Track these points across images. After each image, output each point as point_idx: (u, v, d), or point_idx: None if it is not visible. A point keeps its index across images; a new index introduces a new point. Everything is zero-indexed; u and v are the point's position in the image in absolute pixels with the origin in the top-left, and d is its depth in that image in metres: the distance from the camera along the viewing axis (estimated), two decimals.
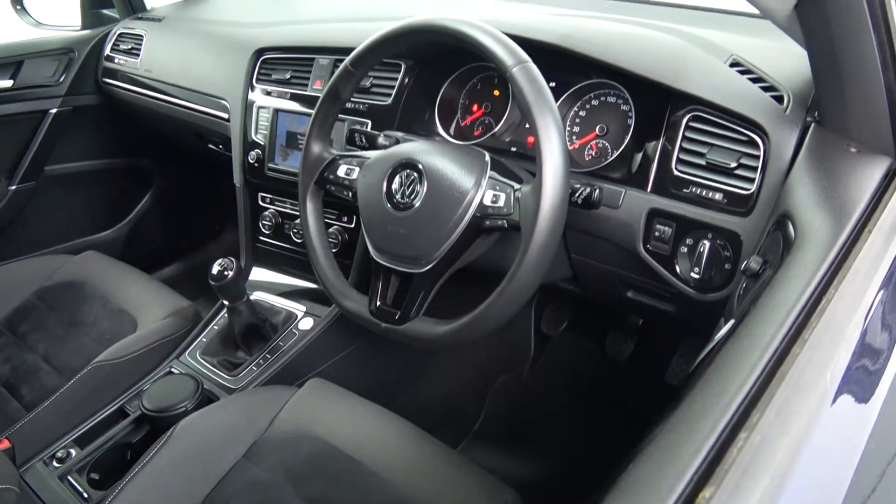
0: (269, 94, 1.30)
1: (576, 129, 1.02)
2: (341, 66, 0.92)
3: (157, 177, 1.90)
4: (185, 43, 1.52)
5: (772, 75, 0.85)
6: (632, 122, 0.94)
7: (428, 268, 0.84)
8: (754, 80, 0.85)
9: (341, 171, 0.95)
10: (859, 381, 0.49)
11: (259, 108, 1.30)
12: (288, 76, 1.28)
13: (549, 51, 0.95)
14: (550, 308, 1.54)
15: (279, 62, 1.30)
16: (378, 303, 0.90)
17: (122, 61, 1.63)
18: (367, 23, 1.28)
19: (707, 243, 0.82)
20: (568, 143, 1.02)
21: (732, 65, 0.89)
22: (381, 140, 1.02)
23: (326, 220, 1.20)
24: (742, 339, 0.50)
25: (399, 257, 0.87)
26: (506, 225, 0.79)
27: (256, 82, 1.32)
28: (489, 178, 0.82)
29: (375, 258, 0.89)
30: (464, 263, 0.86)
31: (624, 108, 0.97)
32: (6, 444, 1.09)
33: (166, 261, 1.95)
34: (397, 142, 1.04)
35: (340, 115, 1.17)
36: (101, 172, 1.81)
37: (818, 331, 0.47)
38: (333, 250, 1.17)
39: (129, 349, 1.24)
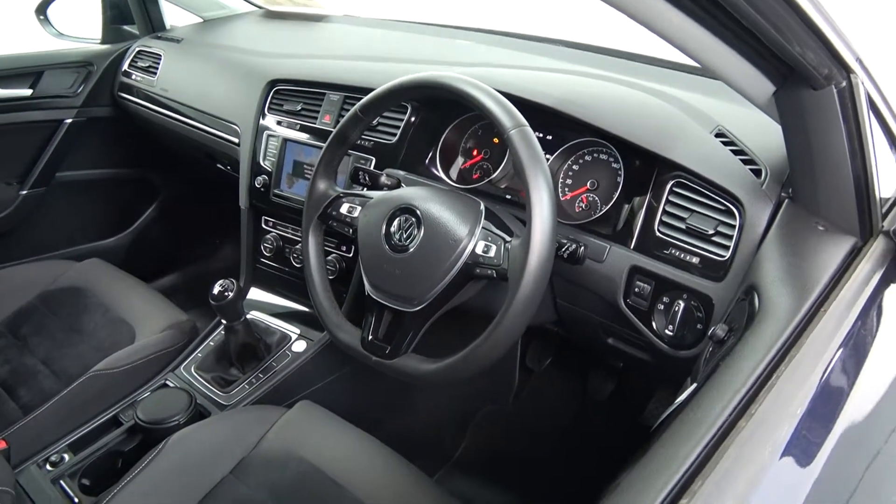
0: (279, 123, 1.35)
1: (568, 181, 1.08)
2: (350, 111, 0.98)
3: (163, 189, 1.95)
4: (202, 67, 1.58)
5: (753, 148, 0.91)
6: (621, 180, 1.00)
7: (420, 307, 0.89)
8: (736, 153, 0.91)
9: (344, 209, 1.00)
10: (800, 453, 0.54)
11: (269, 135, 1.36)
12: (299, 108, 1.33)
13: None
14: (536, 344, 1.59)
15: (291, 94, 1.36)
16: (370, 336, 0.95)
17: (138, 78, 1.69)
18: (377, 62, 1.34)
19: (682, 303, 0.87)
20: (560, 195, 1.07)
21: (717, 135, 0.95)
22: (383, 179, 1.08)
23: (326, 248, 1.26)
24: (697, 408, 0.55)
25: (393, 295, 0.92)
26: (494, 275, 0.84)
27: (268, 111, 1.38)
28: (482, 228, 0.87)
29: (371, 294, 0.94)
30: (454, 305, 0.91)
31: (615, 165, 1.03)
32: (3, 444, 1.12)
33: (165, 271, 2.00)
34: (399, 182, 1.10)
35: (356, 146, 1.24)
36: (109, 182, 1.86)
37: (765, 406, 0.53)
38: (331, 277, 1.22)
39: (127, 360, 1.29)
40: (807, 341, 0.61)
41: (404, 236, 0.90)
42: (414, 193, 0.93)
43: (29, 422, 1.19)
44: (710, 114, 0.99)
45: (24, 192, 1.69)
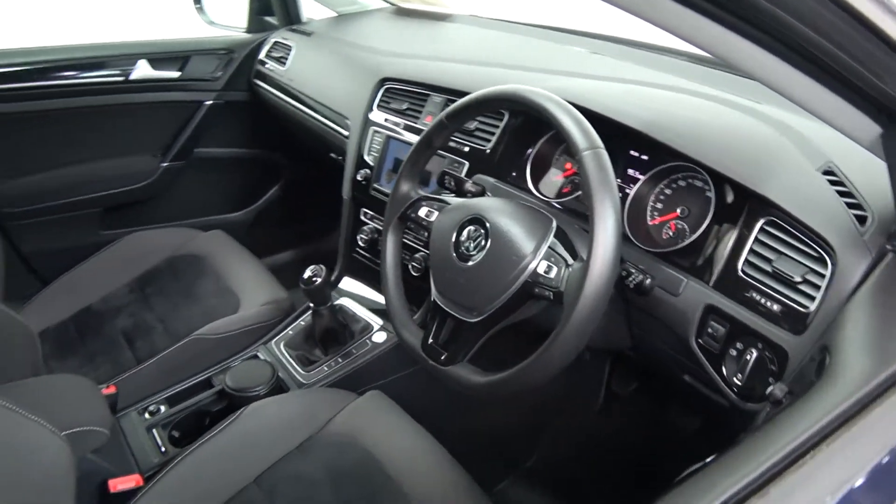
0: (385, 120, 1.40)
1: (658, 205, 1.03)
2: (437, 117, 1.00)
3: (286, 172, 2.09)
4: (325, 60, 1.67)
5: (863, 191, 0.82)
6: (711, 210, 0.94)
7: (479, 319, 0.90)
8: (843, 194, 0.82)
9: (422, 212, 1.02)
10: None
11: (374, 131, 1.41)
12: (405, 107, 1.37)
13: None
14: (622, 368, 1.53)
15: (399, 92, 1.40)
16: (431, 340, 0.96)
17: (271, 67, 1.81)
18: (485, 67, 1.35)
19: (755, 352, 0.81)
20: (648, 219, 1.03)
21: (826, 172, 0.86)
22: (467, 186, 1.09)
23: (414, 246, 1.29)
24: (719, 469, 0.51)
25: (456, 303, 0.93)
26: (552, 297, 0.83)
27: (377, 107, 1.43)
28: (548, 247, 0.86)
29: (436, 299, 0.96)
30: (515, 321, 0.91)
31: (708, 194, 0.97)
32: (113, 389, 1.27)
33: (278, 249, 2.14)
34: (483, 190, 1.10)
35: (442, 153, 1.26)
36: (239, 160, 2.02)
37: (792, 481, 0.48)
38: (416, 275, 1.25)
39: (226, 328, 1.40)
40: (871, 415, 0.55)
41: (471, 246, 0.91)
42: (487, 204, 0.93)
43: (137, 372, 1.33)
44: (821, 147, 0.91)
45: (165, 164, 1.87)
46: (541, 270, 0.85)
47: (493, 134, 1.22)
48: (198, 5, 1.99)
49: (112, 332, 1.48)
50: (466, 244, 0.92)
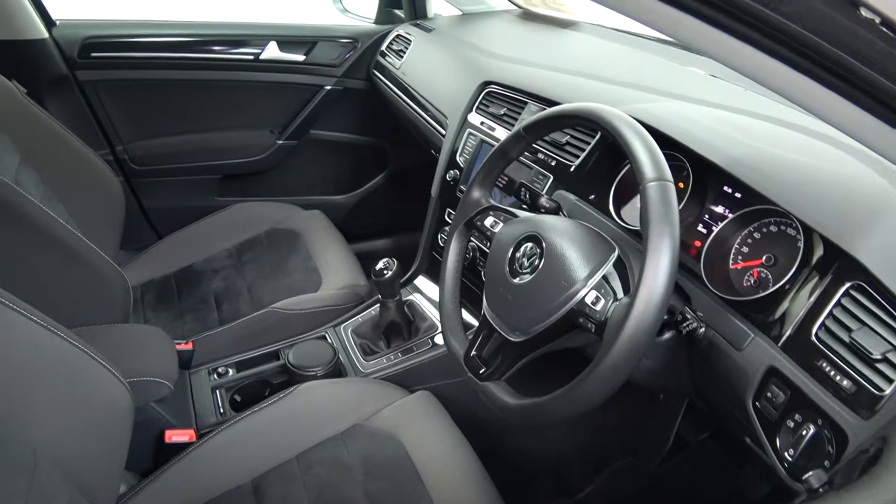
0: (481, 123, 1.39)
1: (744, 249, 0.94)
2: (515, 127, 0.97)
3: (393, 162, 2.13)
4: (438, 57, 1.68)
5: None
6: (797, 262, 0.85)
7: (521, 340, 0.87)
8: None
9: (488, 222, 1.00)
10: None
11: (470, 133, 1.40)
12: (502, 112, 1.35)
13: None
14: (694, 413, 1.43)
15: (498, 97, 1.38)
16: (473, 352, 0.95)
17: (390, 59, 1.86)
18: (591, 81, 1.30)
19: (813, 429, 0.72)
20: (731, 262, 0.95)
21: None
22: (542, 201, 1.06)
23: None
24: None
25: (501, 319, 0.90)
26: (593, 329, 0.78)
27: (476, 110, 1.42)
28: (602, 277, 0.81)
29: (485, 312, 0.94)
30: (558, 348, 0.87)
31: (798, 245, 0.87)
32: (189, 346, 1.36)
33: (371, 236, 2.19)
34: (558, 208, 1.06)
35: (528, 164, 1.23)
36: (349, 146, 2.09)
37: None
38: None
39: (302, 305, 1.45)
40: None
41: (525, 263, 0.88)
42: (550, 223, 0.90)
43: (216, 333, 1.42)
44: None
45: (281, 141, 1.98)
46: (588, 300, 0.80)
47: (582, 150, 1.17)
48: None
49: (205, 292, 1.59)
50: (521, 261, 0.89)
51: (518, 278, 0.88)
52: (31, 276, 1.13)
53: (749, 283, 0.92)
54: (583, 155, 1.16)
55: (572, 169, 1.17)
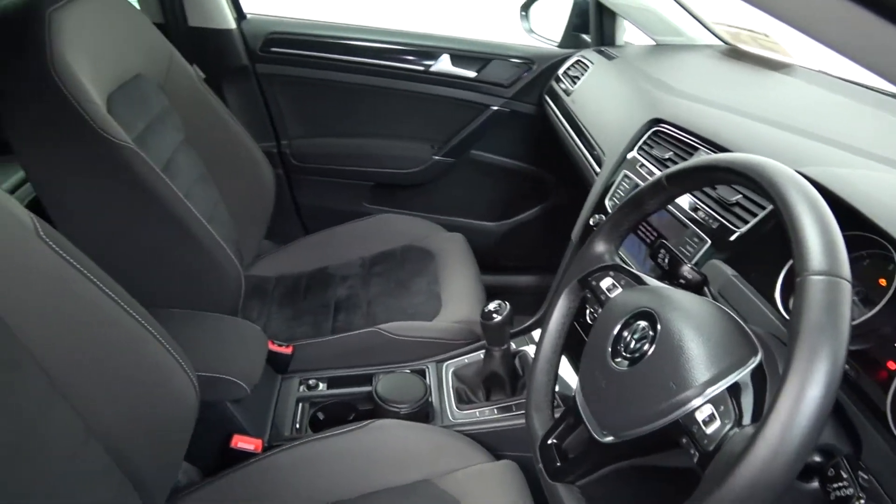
0: (640, 166, 1.19)
1: None
2: (656, 175, 0.78)
3: (553, 195, 1.97)
4: (610, 87, 1.50)
5: None
6: None
7: (609, 441, 0.67)
8: None
9: (605, 283, 0.82)
10: None
11: (625, 175, 1.21)
12: (667, 156, 1.14)
13: None
14: None
15: (667, 139, 1.17)
16: (553, 440, 0.77)
17: (563, 85, 1.70)
18: (783, 132, 1.05)
19: None
20: None
21: None
22: (684, 270, 0.84)
23: None
24: None
25: (591, 410, 0.71)
26: (695, 460, 0.57)
27: (637, 150, 1.22)
28: (727, 389, 0.59)
29: (576, 395, 0.75)
30: (651, 464, 0.66)
31: None
32: (289, 350, 1.32)
33: (510, 270, 2.04)
34: (703, 281, 0.85)
35: (685, 221, 1.01)
36: (509, 171, 1.96)
37: None
38: None
39: (411, 332, 1.35)
40: None
41: (630, 346, 0.69)
42: (675, 300, 0.69)
43: (319, 342, 1.36)
44: None
45: (437, 157, 1.91)
46: (699, 416, 0.59)
47: (754, 215, 0.93)
48: (523, 13, 1.97)
49: (328, 297, 1.55)
50: (627, 341, 0.70)
51: (618, 363, 0.69)
52: (144, 246, 1.15)
53: None
54: (754, 221, 0.92)
55: (736, 236, 0.93)
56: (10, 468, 0.69)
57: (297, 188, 1.96)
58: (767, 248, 0.89)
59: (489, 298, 1.51)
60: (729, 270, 0.90)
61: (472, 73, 1.82)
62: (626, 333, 0.71)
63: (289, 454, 1.06)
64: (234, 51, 1.76)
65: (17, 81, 1.05)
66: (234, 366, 1.09)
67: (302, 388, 1.28)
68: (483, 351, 1.25)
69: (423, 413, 1.18)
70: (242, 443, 1.10)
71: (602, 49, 1.74)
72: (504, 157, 1.94)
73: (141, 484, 0.89)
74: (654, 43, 1.76)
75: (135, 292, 0.86)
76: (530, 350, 1.30)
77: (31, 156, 1.09)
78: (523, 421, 1.14)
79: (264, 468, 1.04)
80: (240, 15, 1.79)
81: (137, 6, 1.67)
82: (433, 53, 1.81)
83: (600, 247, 0.86)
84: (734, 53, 1.62)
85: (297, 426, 1.20)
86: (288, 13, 1.90)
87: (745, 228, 0.93)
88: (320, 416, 1.25)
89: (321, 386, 1.29)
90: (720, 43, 1.70)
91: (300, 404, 1.25)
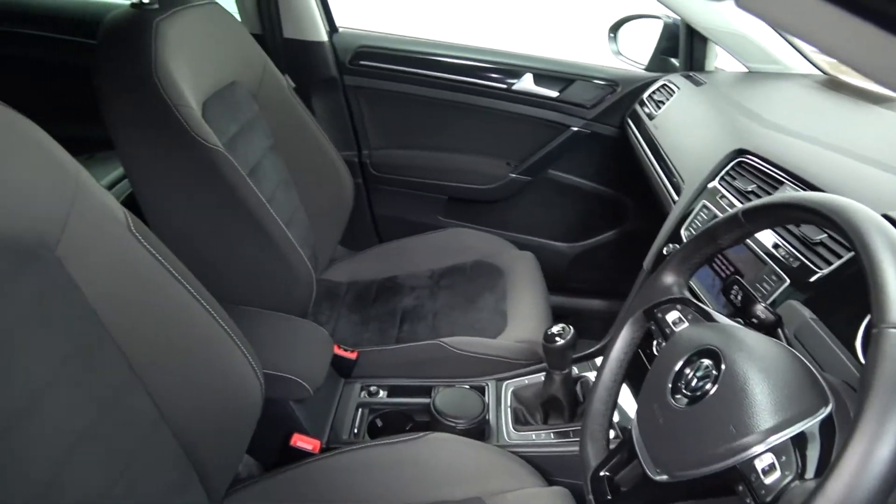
0: (720, 197, 1.15)
1: None
2: (732, 210, 0.75)
3: (630, 219, 1.93)
4: (696, 114, 1.46)
5: None
6: None
7: (663, 480, 0.66)
8: None
9: (671, 316, 0.80)
10: None
11: (704, 206, 1.17)
12: (750, 188, 1.10)
13: None
14: None
15: (752, 171, 1.13)
16: (606, 472, 0.75)
17: (647, 109, 1.67)
18: (875, 168, 0.99)
19: None
20: None
21: None
22: (757, 309, 0.81)
23: None
24: None
25: (646, 445, 0.70)
26: None
27: (719, 180, 1.18)
28: (791, 438, 0.57)
29: (632, 428, 0.74)
30: None
31: None
32: (354, 355, 1.35)
33: (579, 292, 2.00)
34: (777, 322, 0.81)
35: (763, 256, 0.97)
36: (586, 193, 1.94)
37: None
38: None
39: (474, 348, 1.35)
40: None
41: (692, 384, 0.67)
42: (743, 340, 0.67)
43: (384, 350, 1.39)
44: None
45: (514, 175, 1.91)
46: (759, 465, 0.57)
47: (839, 256, 0.88)
48: (611, 34, 1.95)
49: (396, 306, 1.58)
50: (688, 378, 0.68)
51: (678, 400, 0.67)
52: (223, 245, 1.20)
53: None
54: (839, 262, 0.88)
55: (818, 277, 0.88)
56: (85, 445, 0.74)
57: (374, 197, 2.00)
58: (852, 292, 0.84)
59: (555, 320, 1.50)
60: (807, 313, 0.85)
61: (554, 93, 1.82)
62: (688, 370, 0.69)
63: (347, 457, 1.08)
64: (325, 62, 1.83)
65: (122, 84, 1.13)
66: (299, 366, 1.13)
67: (363, 393, 1.31)
68: (544, 373, 1.24)
69: (479, 430, 1.18)
70: (301, 442, 1.13)
71: (690, 74, 1.70)
72: (581, 179, 1.92)
73: (204, 472, 0.93)
74: (746, 70, 1.70)
75: (211, 288, 0.91)
76: (592, 376, 1.27)
77: (129, 153, 1.17)
78: (573, 450, 1.13)
79: (322, 469, 1.07)
80: (332, 28, 1.86)
81: (238, 17, 1.76)
82: (516, 72, 1.81)
83: (669, 278, 0.84)
84: (832, 84, 1.55)
85: (356, 431, 1.23)
86: (378, 27, 1.96)
87: (828, 270, 0.88)
88: (378, 423, 1.27)
89: (382, 393, 1.31)
90: (818, 72, 1.63)
91: (360, 409, 1.27)
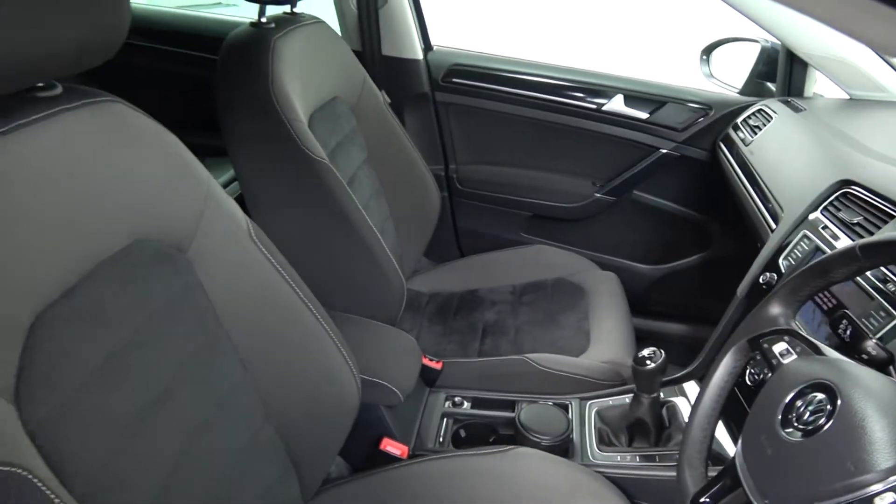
0: (823, 228, 1.12)
1: None
2: (850, 244, 0.74)
3: (716, 244, 1.90)
4: (795, 141, 1.42)
5: None
6: None
7: None
8: None
9: (778, 347, 0.79)
10: None
11: (805, 235, 1.15)
12: (855, 220, 1.07)
13: None
14: None
15: (857, 202, 1.10)
16: (706, 499, 0.75)
17: (742, 134, 1.65)
18: None
19: None
20: None
21: None
22: (868, 345, 0.80)
23: None
24: None
25: (751, 475, 0.69)
26: None
27: (822, 210, 1.16)
28: None
29: (736, 456, 0.74)
30: None
31: None
32: (439, 366, 1.38)
33: (661, 315, 1.98)
34: (889, 361, 0.79)
35: (872, 292, 0.95)
36: (672, 216, 1.91)
37: None
38: None
39: (558, 366, 1.36)
40: None
41: (805, 417, 0.66)
42: (859, 377, 0.66)
43: (468, 363, 1.42)
44: None
45: (599, 195, 1.91)
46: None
47: None
48: (704, 56, 1.93)
49: (477, 320, 1.61)
50: (800, 411, 0.67)
51: (789, 433, 0.66)
52: (322, 251, 1.26)
53: None
54: None
55: None
56: (200, 435, 0.79)
57: (458, 211, 2.04)
58: None
59: (637, 342, 1.49)
60: None
61: (644, 115, 1.81)
62: (799, 403, 0.68)
63: (434, 465, 1.11)
64: (419, 79, 1.89)
65: (240, 97, 1.21)
66: (392, 373, 1.17)
67: (448, 403, 1.34)
68: (631, 395, 1.24)
69: (563, 448, 1.19)
70: (391, 446, 1.17)
71: (788, 99, 1.66)
72: (667, 201, 1.90)
73: (300, 469, 0.98)
74: (848, 97, 1.65)
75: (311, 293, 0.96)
76: (679, 401, 1.26)
77: (242, 162, 1.24)
78: (665, 472, 1.13)
79: (410, 474, 1.10)
80: (427, 46, 1.92)
81: (340, 35, 1.84)
82: (607, 93, 1.82)
83: (776, 309, 0.83)
84: None
85: (441, 440, 1.25)
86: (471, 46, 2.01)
87: None
88: (462, 433, 1.29)
89: (466, 405, 1.34)
90: None
91: (445, 419, 1.30)
